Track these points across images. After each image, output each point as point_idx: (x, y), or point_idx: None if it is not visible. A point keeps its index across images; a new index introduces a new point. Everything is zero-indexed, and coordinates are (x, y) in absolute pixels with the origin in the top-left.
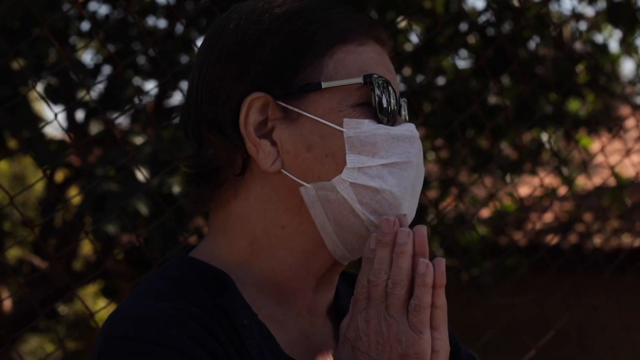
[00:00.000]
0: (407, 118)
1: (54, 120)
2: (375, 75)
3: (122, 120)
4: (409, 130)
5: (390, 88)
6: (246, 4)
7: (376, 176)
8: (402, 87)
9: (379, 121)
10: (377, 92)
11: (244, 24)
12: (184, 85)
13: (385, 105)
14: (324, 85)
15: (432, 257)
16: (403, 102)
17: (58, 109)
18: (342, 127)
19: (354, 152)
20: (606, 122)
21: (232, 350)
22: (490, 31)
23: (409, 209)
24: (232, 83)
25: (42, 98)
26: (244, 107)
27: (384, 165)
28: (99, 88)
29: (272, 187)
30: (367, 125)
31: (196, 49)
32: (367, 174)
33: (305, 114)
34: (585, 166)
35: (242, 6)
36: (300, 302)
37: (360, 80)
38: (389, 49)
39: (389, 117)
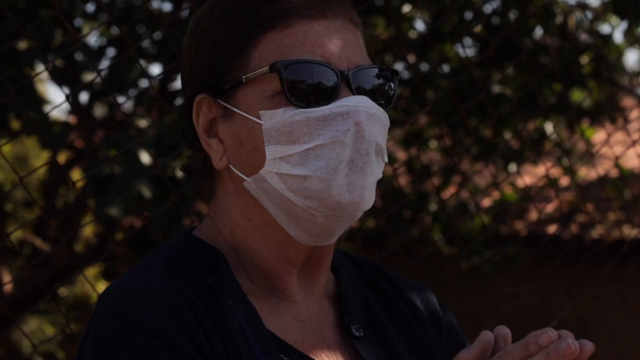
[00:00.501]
0: (382, 88)
1: (64, 102)
2: (281, 62)
3: (126, 103)
4: (341, 105)
5: (313, 68)
6: (206, 4)
7: (298, 163)
8: (406, 74)
9: (298, 107)
10: (288, 77)
11: (193, 28)
12: None
13: (304, 87)
14: (244, 79)
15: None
16: (360, 75)
17: (66, 91)
18: (260, 119)
19: (272, 143)
20: (610, 113)
21: (212, 331)
22: (496, 20)
23: (347, 188)
24: (187, 88)
25: (52, 80)
26: (194, 109)
27: (307, 150)
28: (103, 71)
29: (231, 182)
30: (282, 115)
31: None
32: (290, 162)
33: (233, 109)
34: (588, 157)
35: (202, 8)
36: (288, 289)
37: (266, 70)
38: (344, 16)
39: (318, 98)
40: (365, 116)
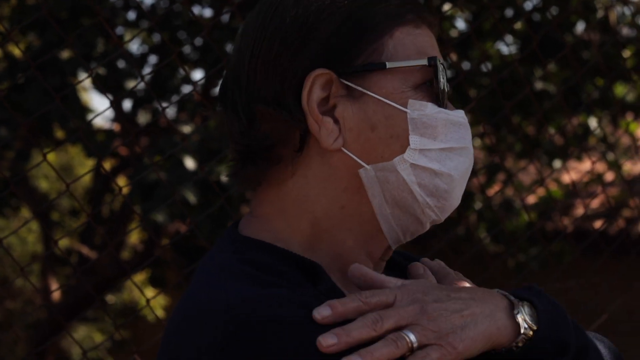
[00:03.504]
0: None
1: (107, 109)
2: (437, 58)
3: (169, 110)
4: (463, 117)
5: (445, 73)
6: None
7: (435, 159)
8: (449, 73)
9: (440, 105)
10: (438, 75)
11: (299, 2)
12: None
13: (442, 88)
14: (388, 65)
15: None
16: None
17: (110, 98)
18: (406, 108)
19: (417, 134)
20: None
21: None
22: (536, 16)
23: (459, 194)
24: (293, 59)
25: (95, 88)
26: (307, 83)
27: (442, 149)
28: (146, 78)
29: (330, 166)
30: (430, 109)
31: None
32: (427, 156)
33: (370, 93)
34: (633, 151)
35: None
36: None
37: (424, 62)
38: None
39: (444, 101)
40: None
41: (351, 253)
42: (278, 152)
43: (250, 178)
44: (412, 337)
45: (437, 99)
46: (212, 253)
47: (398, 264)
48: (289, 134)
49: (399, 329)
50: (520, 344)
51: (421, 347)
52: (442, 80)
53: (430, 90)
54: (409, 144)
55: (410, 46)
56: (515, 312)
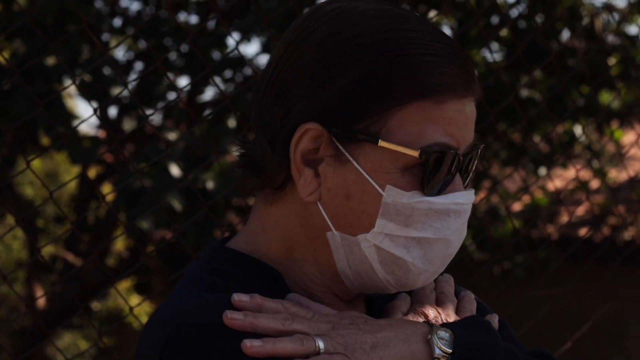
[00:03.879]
0: (469, 180)
1: (92, 116)
2: (431, 150)
3: (154, 117)
4: (458, 203)
5: (449, 157)
6: (344, 11)
7: (402, 245)
8: None
9: (424, 194)
10: (431, 167)
11: (329, 42)
12: (218, 80)
13: (436, 176)
14: (381, 143)
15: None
16: (470, 159)
17: (94, 105)
18: (383, 191)
19: (386, 218)
20: (639, 113)
21: None
22: (522, 24)
23: (431, 276)
24: (297, 102)
25: (81, 95)
26: (297, 133)
27: (412, 237)
28: (131, 84)
29: (310, 212)
30: (409, 198)
31: (228, 45)
32: (394, 242)
33: (354, 163)
34: (618, 158)
35: (340, 12)
36: (336, 307)
37: (416, 154)
38: (476, 93)
39: (441, 188)
40: (469, 214)
41: (319, 287)
42: (267, 181)
43: (246, 184)
44: (320, 343)
45: (422, 188)
46: (191, 264)
47: None
48: (280, 170)
49: (307, 334)
50: None
51: (331, 354)
52: (441, 168)
53: (422, 176)
54: (373, 226)
55: (418, 124)
56: (429, 337)
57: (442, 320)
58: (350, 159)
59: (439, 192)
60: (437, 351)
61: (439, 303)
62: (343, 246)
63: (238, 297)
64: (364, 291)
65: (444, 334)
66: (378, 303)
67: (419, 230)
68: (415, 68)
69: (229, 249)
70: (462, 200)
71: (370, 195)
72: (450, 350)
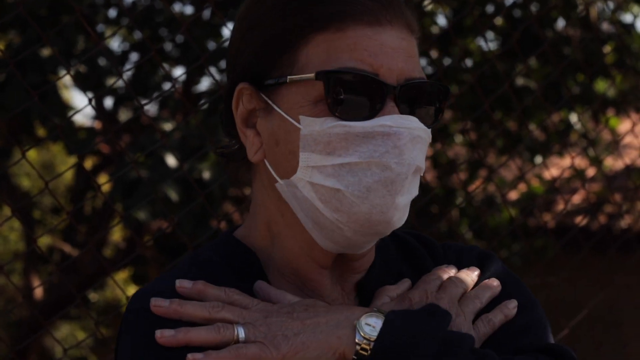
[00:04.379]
0: (432, 104)
1: (86, 106)
2: (327, 71)
3: (150, 107)
4: (382, 125)
5: (360, 78)
6: None
7: (331, 175)
8: (429, 70)
9: (339, 119)
10: (333, 87)
11: (242, 14)
12: (213, 71)
13: (348, 99)
14: (289, 79)
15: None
16: (408, 89)
17: (89, 96)
18: (299, 124)
19: (307, 151)
20: (634, 102)
21: None
22: (517, 12)
23: (380, 208)
24: (232, 71)
25: (75, 85)
26: (234, 96)
27: (340, 164)
28: (127, 75)
29: (266, 176)
30: (321, 124)
31: (224, 34)
32: (323, 173)
33: (274, 106)
34: (614, 146)
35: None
36: (319, 289)
37: (312, 76)
38: (401, 23)
39: (362, 111)
40: (408, 138)
41: (298, 259)
42: (240, 159)
43: (232, 175)
44: (241, 331)
45: (333, 113)
46: None
47: (412, 250)
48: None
49: (233, 323)
50: (366, 354)
51: (247, 343)
52: (350, 90)
53: (335, 102)
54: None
55: (322, 54)
56: (355, 322)
57: (425, 304)
58: (271, 103)
59: (359, 117)
60: (358, 337)
61: (440, 288)
62: (291, 194)
63: (180, 283)
64: (337, 247)
65: (375, 320)
66: (370, 293)
67: (343, 156)
68: (312, 3)
69: (230, 235)
70: (389, 122)
71: (292, 133)
72: (375, 336)
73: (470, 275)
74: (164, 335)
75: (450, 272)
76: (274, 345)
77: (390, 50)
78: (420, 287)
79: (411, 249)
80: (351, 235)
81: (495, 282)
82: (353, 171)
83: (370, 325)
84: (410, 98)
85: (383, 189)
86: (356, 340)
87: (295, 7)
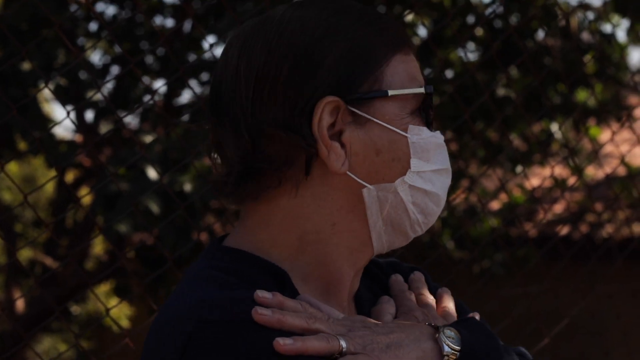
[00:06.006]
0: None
1: (65, 119)
2: (429, 87)
3: (131, 120)
4: (442, 138)
5: (429, 98)
6: (292, 9)
7: (428, 180)
8: None
9: (430, 129)
10: (429, 103)
11: (305, 29)
12: (193, 83)
13: (430, 114)
14: (390, 93)
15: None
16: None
17: (68, 109)
18: (406, 133)
19: (416, 157)
20: (615, 111)
21: None
22: (498, 23)
23: (440, 210)
24: (303, 86)
25: (55, 98)
26: (318, 110)
27: (434, 170)
28: (107, 88)
29: (331, 187)
30: (425, 133)
31: (204, 47)
32: (423, 178)
33: (374, 119)
34: (595, 156)
35: (290, 11)
36: (342, 293)
37: (421, 90)
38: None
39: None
40: None
41: (333, 264)
42: (283, 173)
43: (248, 194)
44: (343, 342)
45: (429, 124)
46: (193, 264)
47: (368, 268)
48: (294, 156)
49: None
50: None
51: (354, 354)
52: (431, 105)
53: (422, 115)
54: (409, 167)
55: (404, 74)
56: (437, 335)
57: (430, 321)
58: (368, 116)
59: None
60: (446, 349)
61: (420, 304)
62: (379, 198)
63: (262, 294)
64: (387, 247)
65: (450, 332)
66: (365, 308)
67: (435, 163)
68: (386, 27)
69: (231, 248)
70: (441, 136)
71: (397, 143)
72: (459, 348)
73: (424, 284)
74: (286, 343)
75: (404, 281)
76: (377, 357)
77: None
78: (407, 305)
79: (367, 266)
80: (411, 236)
81: (449, 293)
82: (438, 177)
83: (451, 338)
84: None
85: (446, 190)
86: (444, 352)
87: (382, 24)
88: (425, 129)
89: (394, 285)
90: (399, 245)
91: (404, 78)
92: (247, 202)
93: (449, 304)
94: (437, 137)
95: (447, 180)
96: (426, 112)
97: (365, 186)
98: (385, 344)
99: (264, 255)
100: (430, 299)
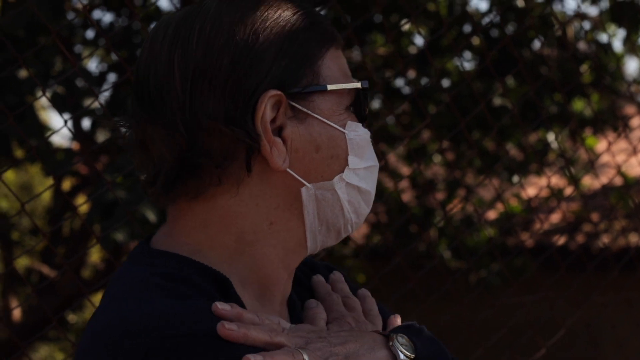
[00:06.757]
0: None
1: (63, 127)
2: (364, 82)
3: None
4: (369, 134)
5: (363, 92)
6: (227, 1)
7: (362, 177)
8: (407, 90)
9: (363, 125)
10: (363, 98)
11: (244, 21)
12: None
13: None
14: (329, 87)
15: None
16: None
17: (65, 117)
18: (344, 129)
19: (353, 154)
20: (611, 121)
21: None
22: (494, 32)
23: (369, 209)
24: (245, 79)
25: (52, 106)
26: (261, 103)
27: (366, 168)
28: (104, 96)
29: (269, 184)
30: (360, 129)
31: None
32: (358, 175)
33: (314, 115)
34: (592, 166)
35: (225, 2)
36: (276, 297)
37: (357, 85)
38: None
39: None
40: None
41: (270, 265)
42: (224, 170)
43: (184, 193)
44: (306, 356)
45: (362, 120)
46: (124, 267)
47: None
48: (235, 153)
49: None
50: None
51: None
52: (364, 100)
53: (355, 111)
54: (347, 164)
55: (338, 69)
56: (390, 343)
57: (361, 327)
58: (308, 111)
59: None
60: (402, 356)
61: (348, 308)
62: (316, 197)
63: (221, 306)
64: (319, 248)
65: (403, 340)
66: (297, 313)
67: (367, 160)
68: (319, 21)
69: (167, 252)
70: (369, 134)
71: (336, 139)
72: (414, 355)
73: (345, 284)
74: (257, 359)
75: (325, 282)
76: None
77: None
78: (338, 309)
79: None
80: (343, 234)
81: (369, 294)
82: (370, 175)
83: (404, 345)
84: None
85: (374, 190)
86: (401, 358)
87: (315, 19)
88: (360, 125)
89: (319, 288)
90: (329, 245)
91: (338, 73)
92: (180, 201)
93: (373, 307)
94: (368, 133)
95: (374, 177)
96: (361, 107)
97: (304, 184)
98: (343, 354)
99: (202, 259)
100: (356, 302)
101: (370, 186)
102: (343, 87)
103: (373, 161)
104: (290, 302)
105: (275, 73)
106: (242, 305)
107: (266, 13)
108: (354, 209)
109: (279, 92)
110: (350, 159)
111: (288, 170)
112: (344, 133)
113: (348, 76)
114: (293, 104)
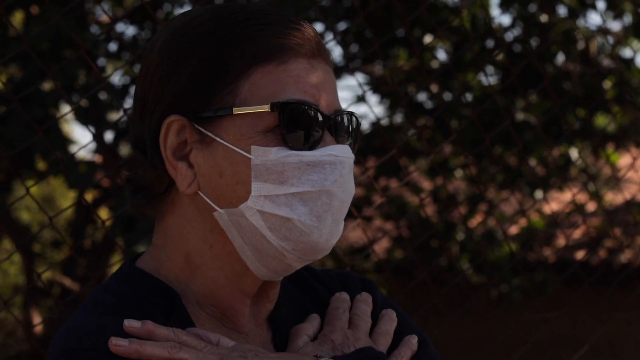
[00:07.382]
0: (351, 135)
1: (91, 142)
2: (282, 102)
3: None
4: (330, 154)
5: (307, 110)
6: (179, 18)
7: (284, 204)
8: (429, 104)
9: (291, 148)
10: (286, 117)
11: (167, 44)
12: None
13: (299, 130)
14: (235, 111)
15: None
16: (339, 120)
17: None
18: (250, 154)
19: (260, 180)
20: (634, 136)
21: None
22: (517, 47)
23: (327, 236)
24: (154, 105)
25: (77, 120)
26: (162, 129)
27: (293, 194)
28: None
29: (196, 207)
30: (275, 153)
31: None
32: (275, 202)
33: (217, 139)
34: (614, 181)
35: (175, 20)
36: (239, 320)
37: (267, 107)
38: (326, 57)
39: (307, 141)
40: (349, 168)
41: (223, 289)
42: (154, 191)
43: (137, 207)
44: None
45: (286, 143)
46: (103, 283)
47: (309, 283)
48: (160, 175)
49: None
50: None
51: None
52: (300, 120)
53: (287, 133)
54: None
55: (268, 87)
56: None
57: (349, 345)
58: (213, 136)
59: (310, 149)
60: None
61: (351, 325)
62: (232, 223)
63: (129, 323)
64: (270, 273)
65: None
66: (283, 328)
67: (296, 186)
68: (251, 37)
69: (137, 268)
70: (334, 152)
71: (240, 164)
72: None
73: (369, 305)
74: (120, 343)
75: (347, 299)
76: None
77: (324, 83)
78: (333, 324)
79: (308, 282)
80: (292, 262)
81: (393, 315)
82: (304, 200)
83: None
84: (338, 129)
85: (330, 217)
86: None
87: (234, 39)
88: (276, 148)
89: (331, 303)
90: (289, 271)
91: (265, 93)
92: (155, 219)
93: (386, 326)
94: (307, 155)
95: (322, 202)
96: (284, 130)
97: (216, 209)
98: None
99: (161, 277)
100: (362, 320)
101: (302, 213)
102: (249, 111)
103: (311, 186)
104: (274, 319)
105: (179, 97)
106: (189, 321)
107: (185, 35)
108: (282, 236)
109: (179, 117)
110: (255, 185)
111: (200, 193)
112: (250, 158)
113: (283, 93)
114: (199, 127)
